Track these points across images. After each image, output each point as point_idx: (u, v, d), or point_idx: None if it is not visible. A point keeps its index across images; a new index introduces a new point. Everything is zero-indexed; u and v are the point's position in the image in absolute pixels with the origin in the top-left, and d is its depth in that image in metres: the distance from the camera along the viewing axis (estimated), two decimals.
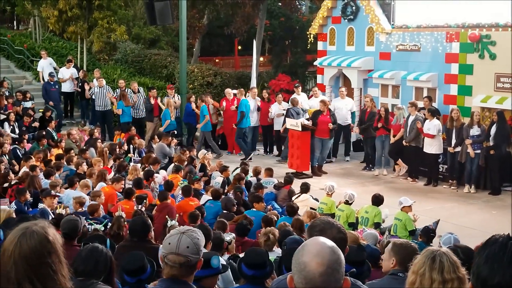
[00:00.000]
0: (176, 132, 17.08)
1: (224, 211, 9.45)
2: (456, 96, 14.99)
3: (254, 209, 9.65)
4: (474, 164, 13.20)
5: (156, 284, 3.56)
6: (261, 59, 27.48)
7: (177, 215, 8.75)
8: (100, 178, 11.16)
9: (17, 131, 15.82)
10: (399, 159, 14.67)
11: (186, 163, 13.06)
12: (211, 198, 10.37)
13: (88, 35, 21.79)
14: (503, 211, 11.42)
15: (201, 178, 11.97)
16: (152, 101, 17.34)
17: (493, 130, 13.04)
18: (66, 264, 2.53)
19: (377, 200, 10.05)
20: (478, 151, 13.12)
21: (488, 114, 14.21)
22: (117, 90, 18.36)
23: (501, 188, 13.19)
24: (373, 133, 15.06)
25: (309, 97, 17.87)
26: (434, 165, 14.01)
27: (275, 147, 17.62)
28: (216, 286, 4.73)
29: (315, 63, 19.47)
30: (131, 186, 10.68)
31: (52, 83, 19.05)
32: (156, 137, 15.46)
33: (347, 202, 10.18)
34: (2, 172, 11.33)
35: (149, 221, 6.53)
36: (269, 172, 12.48)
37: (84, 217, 7.77)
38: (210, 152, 15.01)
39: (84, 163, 12.25)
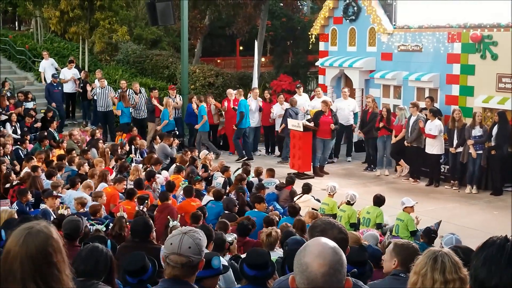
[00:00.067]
0: (177, 133, 17.09)
1: (226, 212, 9.46)
2: (457, 96, 14.99)
3: (255, 210, 9.65)
4: (476, 164, 13.19)
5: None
6: (263, 59, 27.50)
7: (178, 215, 8.74)
8: (101, 179, 11.16)
9: (19, 131, 15.84)
10: (401, 160, 14.66)
11: (188, 163, 13.07)
12: (212, 198, 10.38)
13: (90, 35, 21.81)
14: (505, 212, 11.40)
15: (202, 175, 11.96)
16: (154, 102, 17.35)
17: (494, 130, 13.03)
18: (68, 264, 2.54)
19: (379, 201, 10.05)
20: (480, 152, 13.11)
21: (490, 115, 14.21)
22: (119, 90, 18.38)
23: (503, 188, 13.18)
24: (375, 134, 15.06)
25: (311, 98, 17.88)
26: (436, 166, 14.00)
27: (276, 148, 17.62)
28: (217, 286, 4.73)
29: (317, 63, 19.48)
30: (132, 186, 10.68)
31: (55, 84, 19.08)
32: (157, 137, 15.47)
33: (348, 203, 10.17)
34: (4, 172, 11.33)
35: (151, 221, 6.53)
36: (271, 172, 12.48)
37: (86, 218, 7.78)
38: (212, 153, 15.00)
39: (86, 164, 12.26)
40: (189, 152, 14.00)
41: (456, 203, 12.72)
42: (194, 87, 21.12)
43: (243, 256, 5.95)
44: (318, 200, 11.18)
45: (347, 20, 18.03)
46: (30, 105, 17.95)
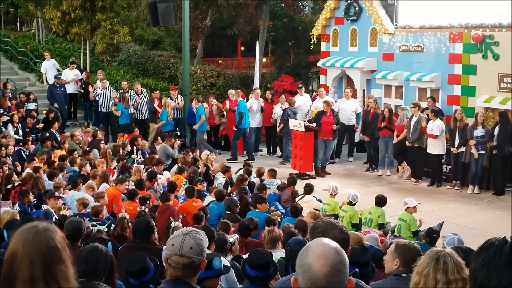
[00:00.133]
0: (179, 133, 17.09)
1: (227, 212, 9.45)
2: (459, 96, 14.98)
3: (257, 210, 9.65)
4: (478, 165, 13.18)
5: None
6: (264, 60, 27.49)
7: (180, 216, 8.74)
8: (103, 180, 11.17)
9: (20, 132, 15.85)
10: (404, 162, 14.64)
11: (189, 164, 13.07)
12: (214, 199, 10.38)
13: (91, 36, 21.83)
14: (507, 212, 11.38)
15: (201, 170, 11.95)
16: (156, 103, 17.36)
17: (496, 131, 13.02)
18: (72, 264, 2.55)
19: (381, 201, 10.05)
20: (482, 152, 13.10)
21: (491, 115, 14.19)
22: (120, 91, 18.40)
23: (505, 188, 13.17)
24: (377, 134, 15.05)
25: (312, 98, 17.88)
26: (438, 166, 13.99)
27: (278, 148, 17.62)
28: (219, 287, 4.72)
29: (318, 64, 19.47)
30: (134, 187, 10.69)
31: (57, 85, 19.10)
32: (159, 138, 15.48)
33: (350, 203, 10.17)
34: (6, 173, 11.35)
35: (153, 222, 6.53)
36: (272, 173, 12.48)
37: (88, 219, 7.78)
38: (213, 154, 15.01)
39: (88, 165, 12.27)
40: (190, 153, 14.01)
41: (458, 203, 12.71)
42: (195, 88, 21.12)
43: (245, 256, 5.94)
44: (320, 201, 11.17)
45: (349, 21, 18.03)
46: (31, 106, 17.96)
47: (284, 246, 6.50)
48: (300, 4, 29.03)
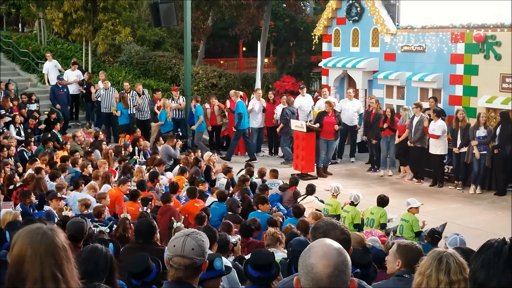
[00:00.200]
0: (181, 134, 17.10)
1: (229, 213, 9.45)
2: (461, 96, 14.96)
3: (259, 211, 9.64)
4: (480, 165, 13.16)
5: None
6: (266, 60, 27.46)
7: (182, 217, 8.74)
8: (105, 180, 11.18)
9: (22, 133, 15.86)
10: (408, 166, 14.61)
11: (192, 164, 13.07)
12: (216, 199, 10.37)
13: (93, 37, 21.85)
14: (509, 212, 11.36)
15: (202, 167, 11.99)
16: (158, 103, 17.36)
17: (498, 131, 13.01)
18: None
19: (382, 201, 10.04)
20: (484, 152, 13.08)
21: (493, 115, 14.17)
22: (122, 91, 18.41)
23: (507, 189, 13.15)
24: (379, 135, 15.04)
25: (314, 99, 17.88)
26: (439, 166, 13.98)
27: (280, 149, 17.61)
28: (220, 287, 4.72)
29: (320, 64, 19.47)
30: (135, 188, 10.69)
31: (60, 86, 19.12)
32: (161, 139, 15.48)
33: (352, 203, 10.16)
34: (8, 174, 11.36)
35: (155, 223, 6.53)
36: (274, 173, 12.46)
37: (90, 219, 7.78)
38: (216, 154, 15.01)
39: (90, 165, 12.28)
40: (192, 153, 14.02)
41: (459, 203, 12.70)
42: (197, 88, 21.12)
43: (247, 257, 5.94)
44: (322, 201, 11.17)
45: (350, 21, 18.02)
46: (33, 106, 17.99)
47: (286, 246, 6.50)
48: (302, 4, 29.03)
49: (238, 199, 10.34)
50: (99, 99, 18.69)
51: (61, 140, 15.57)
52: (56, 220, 8.27)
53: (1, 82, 19.19)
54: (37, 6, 23.75)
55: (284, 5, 27.58)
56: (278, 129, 16.52)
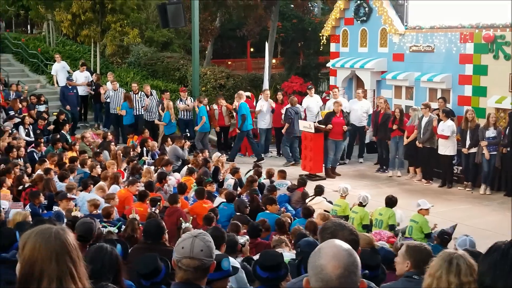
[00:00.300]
0: (189, 135, 17.11)
1: (237, 213, 9.44)
2: (470, 97, 14.89)
3: (267, 212, 9.64)
4: (490, 165, 13.09)
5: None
6: (274, 61, 27.45)
7: (190, 217, 8.75)
8: (113, 181, 11.20)
9: (31, 134, 15.93)
10: (419, 168, 14.54)
11: (200, 165, 13.08)
12: (224, 200, 10.37)
13: (101, 38, 21.92)
14: None
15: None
16: (165, 105, 17.39)
17: (508, 131, 12.94)
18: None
19: (391, 202, 10.01)
20: (494, 153, 13.01)
21: (503, 115, 14.10)
22: (130, 92, 18.47)
23: None
24: (388, 135, 14.99)
25: (323, 99, 17.85)
26: (449, 167, 13.92)
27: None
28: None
29: (328, 64, 19.44)
30: (144, 188, 10.71)
31: (69, 87, 19.21)
32: (169, 139, 15.50)
33: (361, 204, 10.13)
34: (17, 175, 11.41)
35: (163, 223, 6.53)
36: (282, 174, 12.45)
37: (98, 220, 7.79)
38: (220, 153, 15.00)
39: (98, 166, 12.31)
40: (200, 154, 14.02)
41: (469, 204, 12.64)
42: (205, 89, 21.14)
43: (255, 257, 5.93)
44: (330, 202, 11.14)
45: (358, 21, 17.98)
46: (42, 108, 18.07)
47: (295, 247, 6.49)
48: (310, 5, 29.02)
49: (247, 200, 10.33)
50: (108, 100, 18.75)
51: (70, 141, 15.62)
52: (65, 221, 8.30)
53: (13, 84, 19.34)
54: (45, 7, 23.84)
55: (292, 5, 27.56)
56: (283, 130, 16.49)
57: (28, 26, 35.43)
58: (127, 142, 16.45)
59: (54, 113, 18.14)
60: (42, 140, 15.09)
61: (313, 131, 14.54)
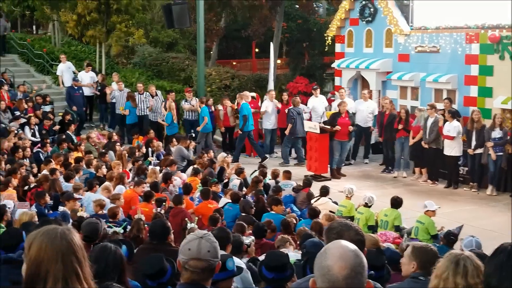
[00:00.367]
0: (194, 135, 17.12)
1: (243, 214, 9.44)
2: (476, 97, 14.84)
3: (273, 212, 9.63)
4: (496, 166, 13.05)
5: None
6: (279, 61, 27.41)
7: (196, 218, 8.75)
8: (118, 181, 11.22)
9: (37, 135, 15.97)
10: (425, 168, 14.50)
11: (206, 166, 13.09)
12: (229, 201, 10.37)
13: (107, 39, 21.95)
14: None
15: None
16: (170, 106, 17.39)
17: None
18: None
19: (396, 203, 9.99)
20: (500, 154, 12.96)
21: (509, 116, 14.04)
22: (135, 93, 18.50)
23: None
24: (393, 135, 14.97)
25: (328, 99, 17.83)
26: (454, 168, 13.88)
27: (293, 150, 17.56)
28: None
29: (333, 65, 19.41)
30: (149, 189, 10.72)
31: (75, 88, 19.25)
32: (174, 140, 15.51)
33: (366, 205, 10.12)
34: (23, 175, 11.44)
35: (169, 223, 6.54)
36: (288, 174, 12.45)
37: (104, 220, 7.81)
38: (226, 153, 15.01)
39: (104, 166, 12.34)
40: (205, 154, 14.02)
41: (475, 205, 12.61)
42: (210, 90, 21.14)
43: (260, 258, 5.93)
44: (336, 203, 11.14)
45: (364, 22, 17.95)
46: (47, 108, 18.11)
47: (301, 248, 6.48)
48: (315, 5, 28.96)
49: (252, 201, 10.33)
50: (113, 100, 18.78)
51: (75, 141, 15.65)
52: (71, 221, 8.32)
53: (20, 85, 19.41)
54: (51, 8, 23.90)
55: (297, 6, 27.53)
56: (286, 131, 16.47)
57: (34, 27, 35.51)
58: (132, 143, 16.48)
59: (59, 114, 18.18)
60: (48, 140, 15.13)
61: (318, 131, 14.53)
